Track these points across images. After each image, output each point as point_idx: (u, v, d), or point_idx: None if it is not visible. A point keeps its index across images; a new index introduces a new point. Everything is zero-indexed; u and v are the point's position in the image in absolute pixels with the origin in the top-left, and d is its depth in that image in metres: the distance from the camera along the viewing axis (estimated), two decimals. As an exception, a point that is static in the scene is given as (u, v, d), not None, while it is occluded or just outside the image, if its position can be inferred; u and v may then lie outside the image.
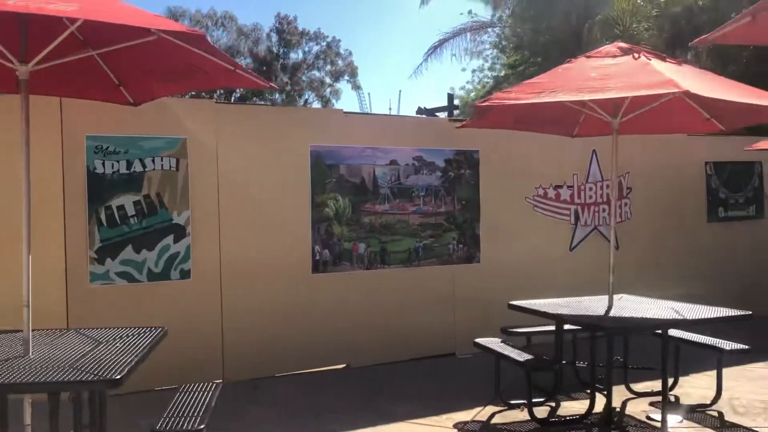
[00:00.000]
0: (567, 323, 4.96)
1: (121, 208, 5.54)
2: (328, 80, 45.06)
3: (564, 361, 5.36)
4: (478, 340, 5.44)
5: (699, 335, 5.56)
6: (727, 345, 5.22)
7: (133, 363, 3.13)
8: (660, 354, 4.60)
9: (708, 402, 5.25)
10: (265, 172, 6.14)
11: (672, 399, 5.49)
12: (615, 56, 4.83)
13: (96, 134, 5.46)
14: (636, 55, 4.73)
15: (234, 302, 6.00)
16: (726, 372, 6.11)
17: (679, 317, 4.61)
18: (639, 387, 5.60)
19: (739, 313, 4.67)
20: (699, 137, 8.65)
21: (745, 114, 5.37)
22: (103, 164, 5.48)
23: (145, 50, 3.92)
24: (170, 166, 5.72)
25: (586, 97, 4.34)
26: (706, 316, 4.60)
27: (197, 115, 5.91)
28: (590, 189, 7.82)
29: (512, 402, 5.19)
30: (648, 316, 4.70)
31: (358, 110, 40.57)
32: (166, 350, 5.63)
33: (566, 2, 16.05)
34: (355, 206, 6.52)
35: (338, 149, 6.44)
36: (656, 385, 5.33)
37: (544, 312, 4.91)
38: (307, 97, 44.80)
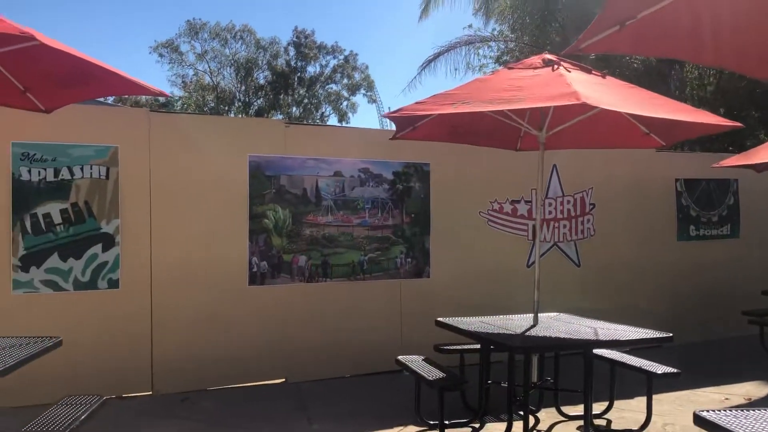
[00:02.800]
0: (482, 342, 4.80)
1: (47, 216, 5.51)
2: (345, 93, 45.28)
3: (490, 381, 5.21)
4: (400, 357, 5.29)
5: (636, 358, 5.35)
6: (659, 368, 5.00)
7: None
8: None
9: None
10: (200, 182, 6.07)
11: (604, 423, 5.29)
12: (536, 68, 4.72)
13: (22, 141, 5.45)
14: (555, 66, 4.59)
15: (165, 313, 5.92)
16: (674, 396, 5.96)
17: (593, 338, 4.43)
18: (575, 410, 5.40)
19: (658, 335, 4.48)
20: (669, 153, 8.45)
21: (683, 128, 5.21)
22: (29, 171, 5.46)
23: (34, 55, 3.91)
24: (100, 174, 5.68)
25: (492, 107, 4.21)
26: (621, 338, 4.42)
27: (129, 123, 5.87)
28: (550, 204, 7.64)
29: (431, 422, 5.03)
30: (564, 336, 4.52)
31: (377, 124, 40.63)
32: (92, 360, 5.62)
33: (563, 17, 15.94)
34: (296, 218, 6.42)
35: (279, 159, 6.35)
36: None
37: (463, 329, 4.77)
38: (324, 110, 45.04)
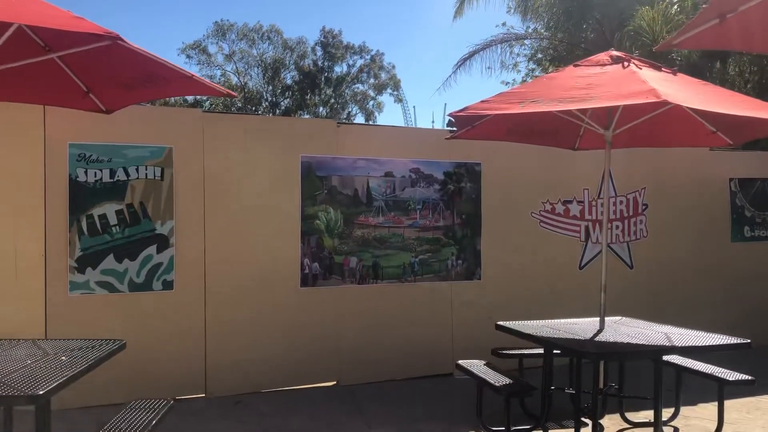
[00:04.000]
0: (550, 346, 4.67)
1: (102, 217, 5.49)
2: (371, 93, 45.22)
3: (553, 387, 5.07)
4: (460, 362, 5.18)
5: (703, 364, 5.17)
6: (731, 375, 4.83)
7: (63, 379, 3.01)
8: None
9: (707, 435, 4.87)
10: (253, 183, 6.02)
11: (671, 430, 5.13)
12: (604, 65, 4.57)
13: (79, 142, 5.43)
14: (626, 63, 4.45)
15: (218, 314, 5.88)
16: (740, 403, 5.78)
17: (668, 344, 4.27)
18: (638, 416, 5.25)
19: (736, 341, 4.31)
20: (722, 152, 8.21)
21: (754, 127, 5.02)
22: (86, 172, 5.44)
23: (102, 56, 3.88)
24: (155, 175, 5.65)
25: (563, 107, 4.07)
26: (698, 344, 4.25)
27: (184, 124, 5.83)
28: (602, 205, 7.46)
29: (494, 429, 4.90)
30: (637, 342, 4.37)
31: (403, 123, 40.61)
32: (147, 362, 5.59)
33: (600, 13, 15.67)
34: (347, 219, 6.34)
35: (330, 160, 6.28)
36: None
37: (528, 334, 4.64)
38: (350, 110, 45.05)
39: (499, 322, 5.04)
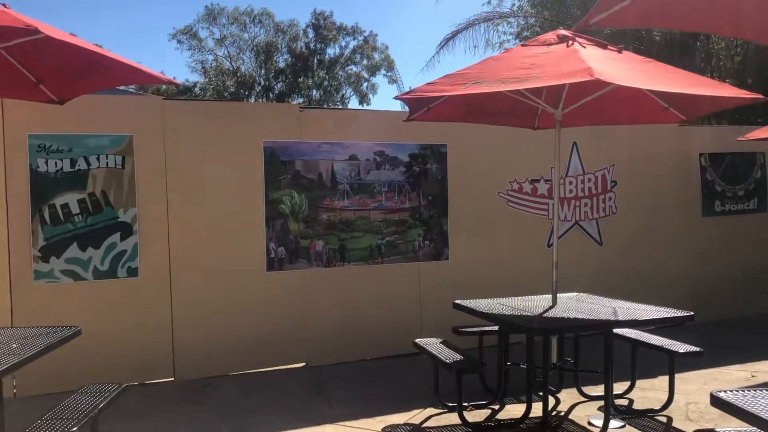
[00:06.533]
0: (499, 323, 4.76)
1: (65, 206, 5.56)
2: (365, 75, 45.03)
3: (509, 363, 5.18)
4: (417, 340, 5.27)
5: (659, 337, 5.26)
6: (681, 347, 4.91)
7: (7, 366, 3.09)
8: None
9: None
10: (216, 169, 6.08)
11: (626, 403, 5.23)
12: (550, 44, 4.61)
13: (38, 133, 5.49)
14: (570, 42, 4.48)
15: (185, 300, 5.96)
16: (699, 374, 5.88)
17: (612, 318, 4.36)
18: (596, 390, 5.34)
19: (679, 314, 4.40)
20: (692, 128, 8.26)
21: (705, 102, 5.07)
22: (47, 162, 5.50)
23: (45, 47, 3.93)
24: (116, 164, 5.71)
25: (504, 87, 4.12)
26: (640, 318, 4.34)
27: (144, 112, 5.88)
28: (570, 183, 7.52)
29: (449, 404, 5.01)
30: (583, 317, 4.46)
31: (398, 106, 40.54)
32: (115, 348, 5.69)
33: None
34: (312, 203, 6.40)
35: (294, 144, 6.33)
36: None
37: (480, 311, 4.73)
38: (344, 92, 44.89)
39: (456, 301, 5.13)
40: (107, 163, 5.68)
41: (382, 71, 45.30)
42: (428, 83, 4.56)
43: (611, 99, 5.08)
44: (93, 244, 5.64)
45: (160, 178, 5.88)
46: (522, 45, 4.82)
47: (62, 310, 5.49)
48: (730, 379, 5.87)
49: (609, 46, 4.66)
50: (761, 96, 4.25)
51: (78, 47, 3.67)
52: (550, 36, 4.72)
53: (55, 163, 5.53)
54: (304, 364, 6.48)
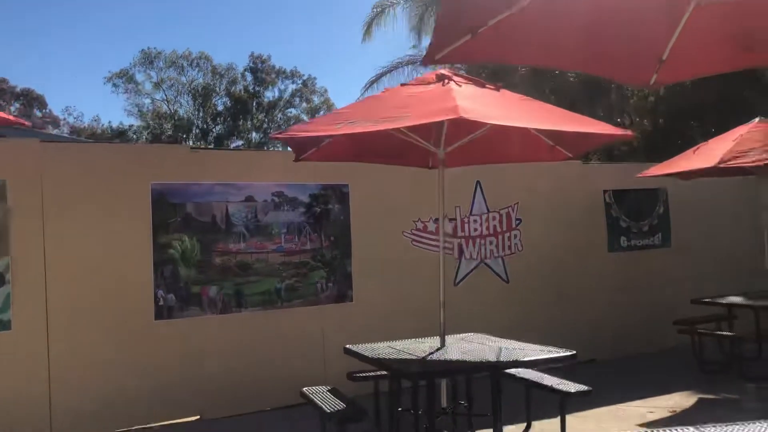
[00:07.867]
0: (384, 369, 4.61)
1: (-73, 256, 5.17)
2: (304, 118, 45.05)
3: (400, 408, 5.02)
4: (304, 389, 5.05)
5: (553, 378, 5.18)
6: (573, 387, 4.84)
7: None
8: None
9: (552, 449, 4.86)
10: (99, 213, 5.79)
11: (521, 446, 5.11)
12: (428, 83, 4.57)
13: None
14: (446, 81, 4.46)
15: (64, 354, 5.58)
16: (599, 412, 5.84)
17: (495, 360, 4.26)
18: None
19: (561, 354, 4.32)
20: (595, 165, 8.45)
21: (587, 140, 5.13)
22: None
23: None
24: (-14, 210, 5.37)
25: (374, 128, 4.05)
26: (524, 358, 4.26)
27: (19, 156, 5.58)
28: (475, 221, 7.51)
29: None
30: (467, 359, 4.35)
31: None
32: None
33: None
34: (205, 246, 6.16)
35: (184, 186, 6.11)
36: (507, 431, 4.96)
37: (367, 357, 4.57)
38: (284, 134, 44.72)
39: (346, 346, 4.96)
40: (-24, 209, 5.34)
41: (322, 113, 45.48)
42: (304, 123, 4.51)
43: (498, 138, 5.08)
44: (-41, 296, 5.25)
45: (37, 224, 5.55)
46: (402, 85, 4.79)
47: None
48: (629, 415, 5.85)
49: (487, 85, 4.67)
50: (630, 133, 4.31)
51: None
52: (430, 75, 4.71)
53: None
54: (197, 417, 6.14)
